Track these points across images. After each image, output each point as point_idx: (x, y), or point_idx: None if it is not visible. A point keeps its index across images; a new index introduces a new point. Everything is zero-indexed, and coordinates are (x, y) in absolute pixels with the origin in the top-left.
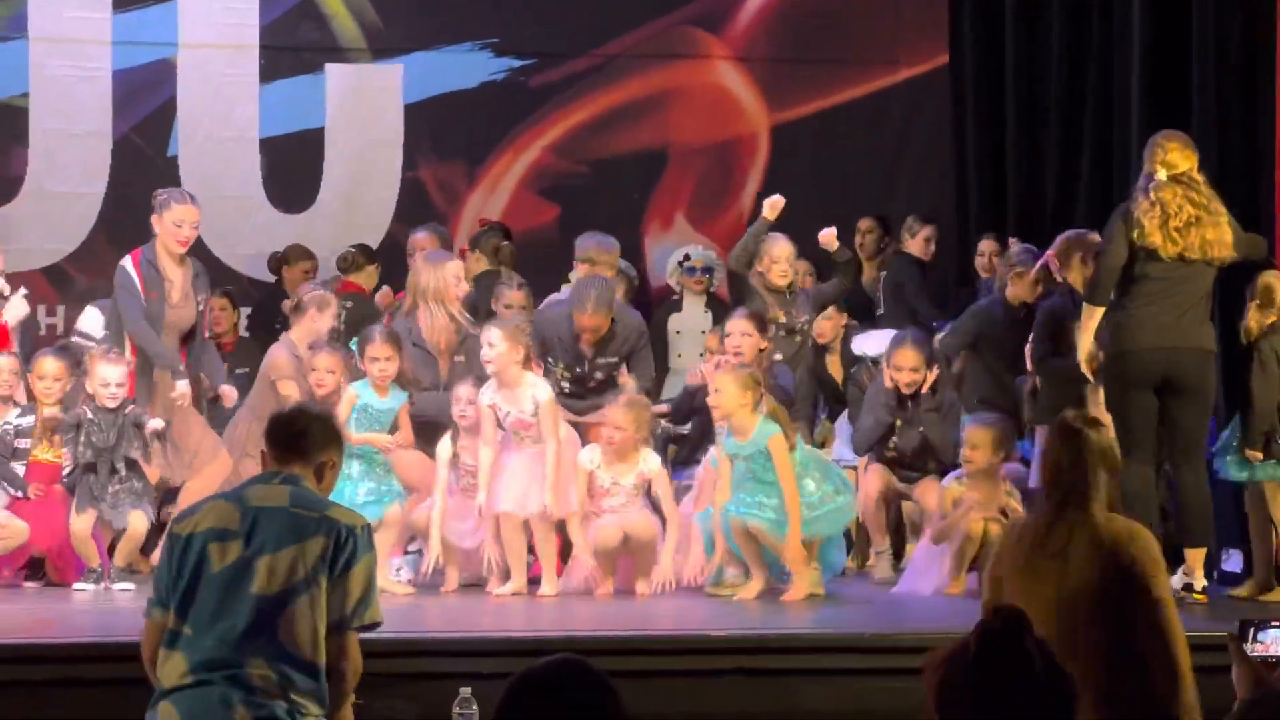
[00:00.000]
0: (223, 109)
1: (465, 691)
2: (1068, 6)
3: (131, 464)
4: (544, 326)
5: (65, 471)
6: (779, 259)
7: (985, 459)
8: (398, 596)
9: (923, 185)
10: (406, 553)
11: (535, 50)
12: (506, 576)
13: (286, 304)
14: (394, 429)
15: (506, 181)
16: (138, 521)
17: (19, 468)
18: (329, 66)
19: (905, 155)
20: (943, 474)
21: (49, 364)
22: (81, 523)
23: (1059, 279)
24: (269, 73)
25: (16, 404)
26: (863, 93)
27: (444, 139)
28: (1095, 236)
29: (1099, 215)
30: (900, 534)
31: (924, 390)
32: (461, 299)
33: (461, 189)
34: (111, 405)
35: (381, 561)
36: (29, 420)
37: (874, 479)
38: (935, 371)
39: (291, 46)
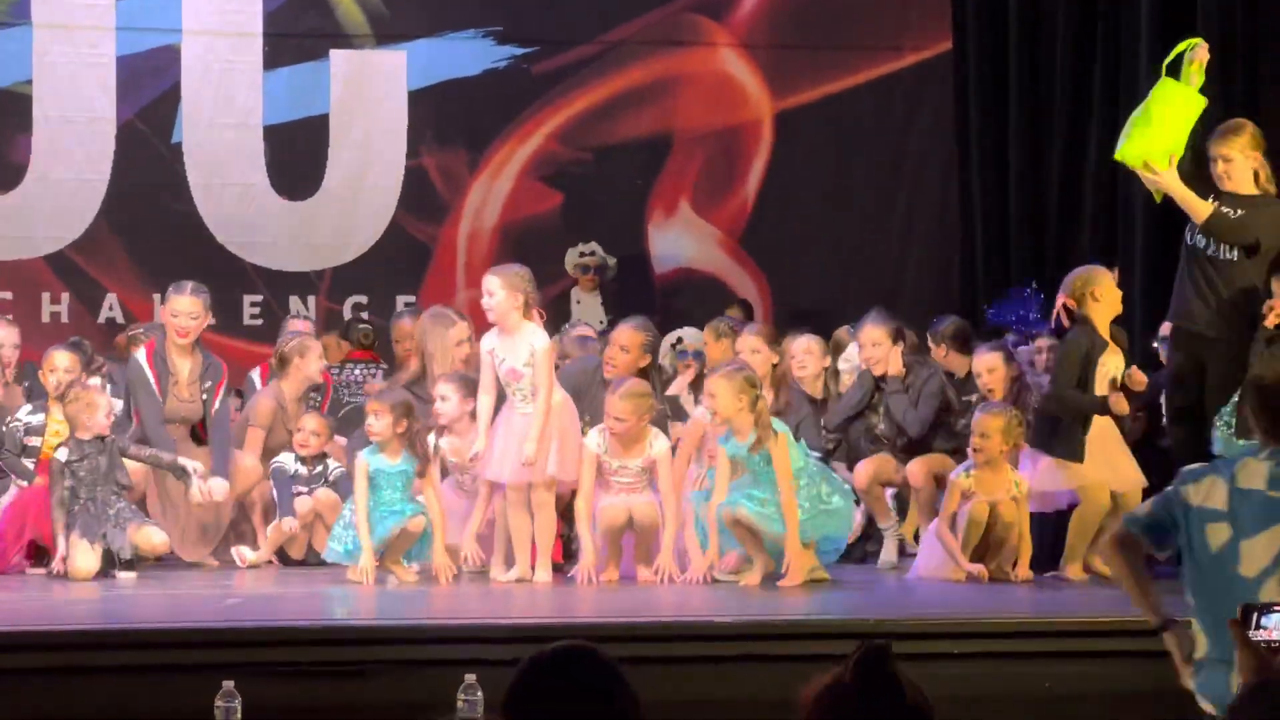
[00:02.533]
0: (226, 95)
1: (470, 678)
2: None
3: (120, 491)
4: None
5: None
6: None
7: (995, 447)
8: (403, 583)
9: (926, 172)
10: None
11: (538, 38)
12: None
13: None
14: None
15: (509, 169)
16: (155, 535)
17: (29, 464)
18: (333, 53)
19: (909, 141)
20: (924, 451)
21: (60, 357)
22: (84, 560)
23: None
24: (273, 59)
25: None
26: (866, 79)
27: (447, 126)
28: (1100, 270)
29: (1104, 200)
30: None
31: (892, 370)
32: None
33: (464, 176)
34: (101, 434)
35: (395, 556)
36: (39, 418)
37: (863, 467)
38: (899, 348)
39: (295, 33)
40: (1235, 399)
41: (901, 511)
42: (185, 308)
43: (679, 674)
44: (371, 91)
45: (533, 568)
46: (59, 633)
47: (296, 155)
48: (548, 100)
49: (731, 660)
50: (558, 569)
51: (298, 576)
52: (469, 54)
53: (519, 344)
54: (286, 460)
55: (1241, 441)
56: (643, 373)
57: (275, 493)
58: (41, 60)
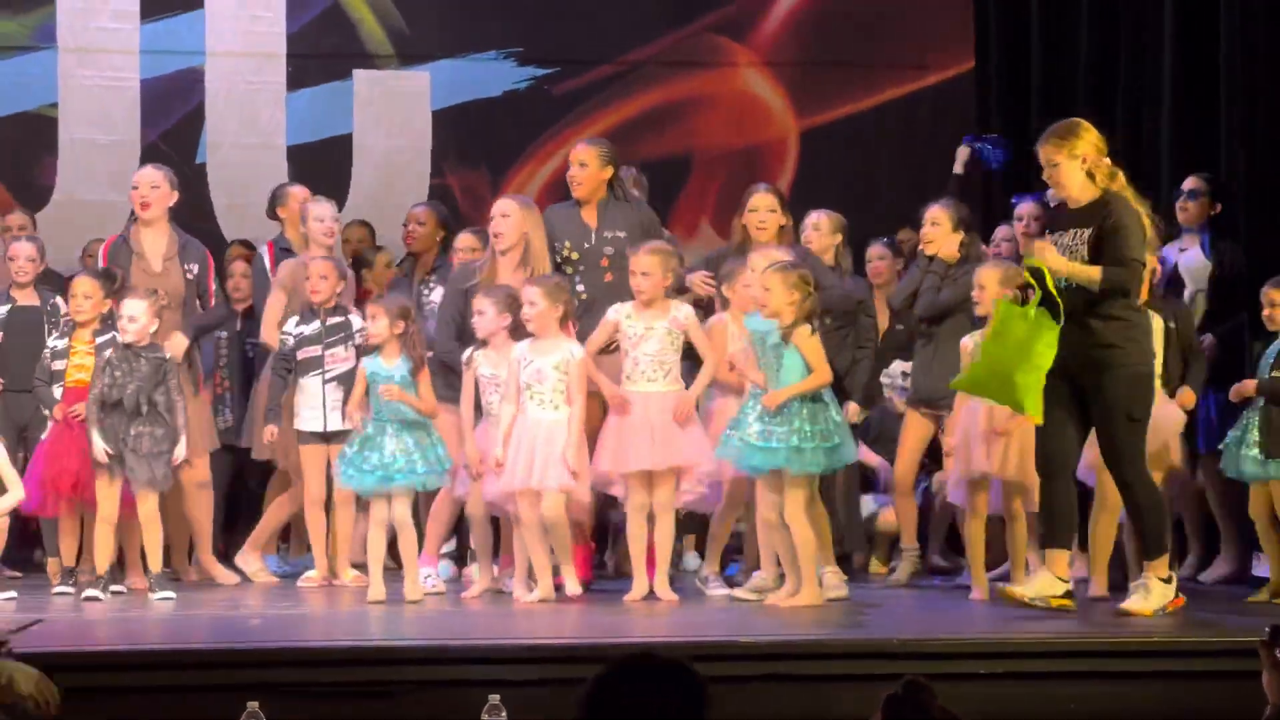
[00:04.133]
0: (250, 116)
1: (494, 698)
2: (1094, 11)
3: (154, 409)
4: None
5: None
6: (757, 207)
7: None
8: (428, 604)
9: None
10: (442, 555)
11: (558, 59)
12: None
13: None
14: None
15: (531, 188)
16: (150, 504)
17: (57, 391)
18: (356, 73)
19: (933, 160)
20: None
21: (83, 282)
22: (108, 496)
23: None
24: (296, 80)
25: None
26: (890, 98)
27: (469, 146)
28: None
29: None
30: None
31: (944, 254)
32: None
33: (487, 196)
34: (130, 340)
35: (430, 553)
36: (63, 343)
37: (911, 432)
38: (959, 236)
39: (318, 53)
40: (1253, 419)
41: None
42: (145, 178)
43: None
44: (395, 111)
45: (557, 586)
46: (82, 653)
47: (320, 175)
48: (568, 122)
49: (756, 680)
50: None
51: (318, 595)
52: (491, 75)
53: (551, 349)
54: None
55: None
56: (610, 188)
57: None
58: (67, 83)
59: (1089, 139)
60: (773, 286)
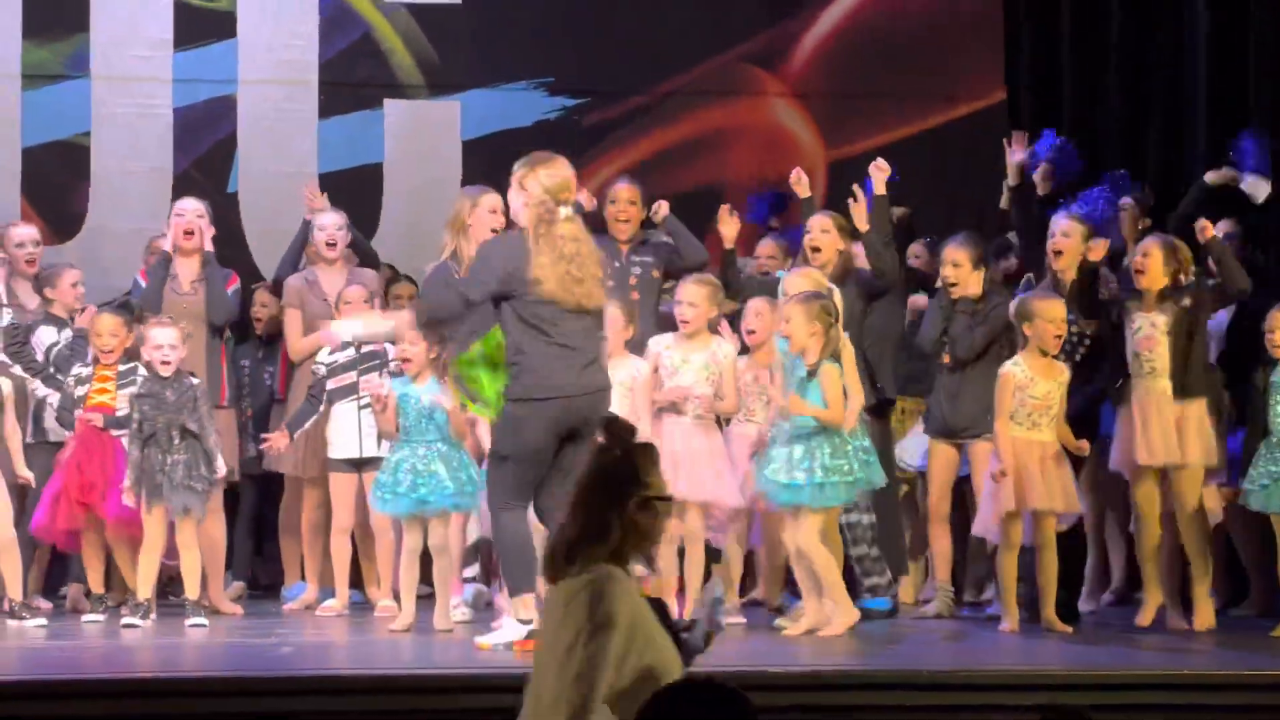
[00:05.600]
0: (282, 144)
1: None
2: (1125, 41)
3: (190, 436)
4: None
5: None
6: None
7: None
8: (456, 633)
9: (982, 223)
10: (465, 580)
11: (589, 89)
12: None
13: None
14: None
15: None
16: (187, 532)
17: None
18: (387, 102)
19: (963, 191)
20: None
21: (108, 320)
22: (154, 525)
23: None
24: (328, 108)
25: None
26: (920, 129)
27: (500, 176)
28: None
29: None
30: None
31: (970, 293)
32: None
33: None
34: (166, 373)
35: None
36: (88, 370)
37: (939, 462)
38: (980, 273)
39: (350, 82)
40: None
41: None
42: (192, 208)
43: None
44: (425, 141)
45: None
46: (119, 681)
47: (352, 203)
48: (598, 152)
49: (785, 711)
50: None
51: (341, 623)
52: (521, 105)
53: (617, 366)
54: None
55: None
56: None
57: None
58: (100, 112)
59: None
60: (793, 317)
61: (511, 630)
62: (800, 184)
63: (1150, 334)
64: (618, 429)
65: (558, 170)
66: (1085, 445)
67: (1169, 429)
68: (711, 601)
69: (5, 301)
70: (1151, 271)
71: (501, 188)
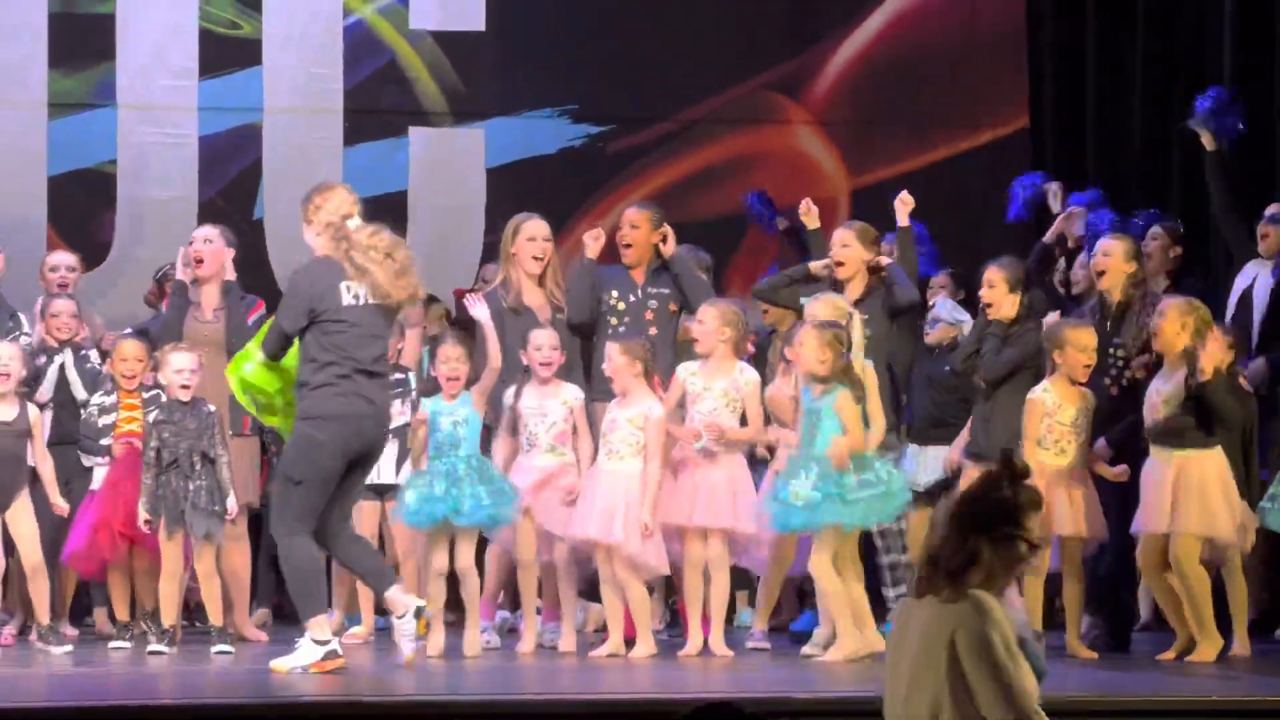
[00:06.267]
0: (307, 172)
1: None
2: (1149, 69)
3: (209, 462)
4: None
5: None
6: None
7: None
8: (481, 659)
9: (1006, 249)
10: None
11: (613, 116)
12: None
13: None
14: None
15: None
16: (207, 560)
17: (106, 443)
18: (412, 130)
19: (987, 218)
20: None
21: (131, 345)
22: (174, 551)
23: None
24: (353, 136)
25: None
26: (943, 156)
27: (524, 204)
28: None
29: (1184, 276)
30: None
31: (1004, 315)
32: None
33: None
34: (185, 398)
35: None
36: (112, 398)
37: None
38: (1016, 296)
39: (375, 110)
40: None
41: None
42: (200, 233)
43: None
44: (450, 168)
45: (628, 641)
46: (145, 708)
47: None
48: (622, 179)
49: None
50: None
51: (365, 650)
52: (545, 133)
53: (630, 404)
54: None
55: None
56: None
57: None
58: (126, 141)
59: None
60: (806, 342)
61: (309, 653)
62: (810, 215)
63: (1154, 402)
64: (1015, 467)
65: (333, 193)
66: (1124, 471)
67: (1165, 494)
68: (1030, 638)
69: (27, 329)
70: (1165, 333)
71: (525, 211)
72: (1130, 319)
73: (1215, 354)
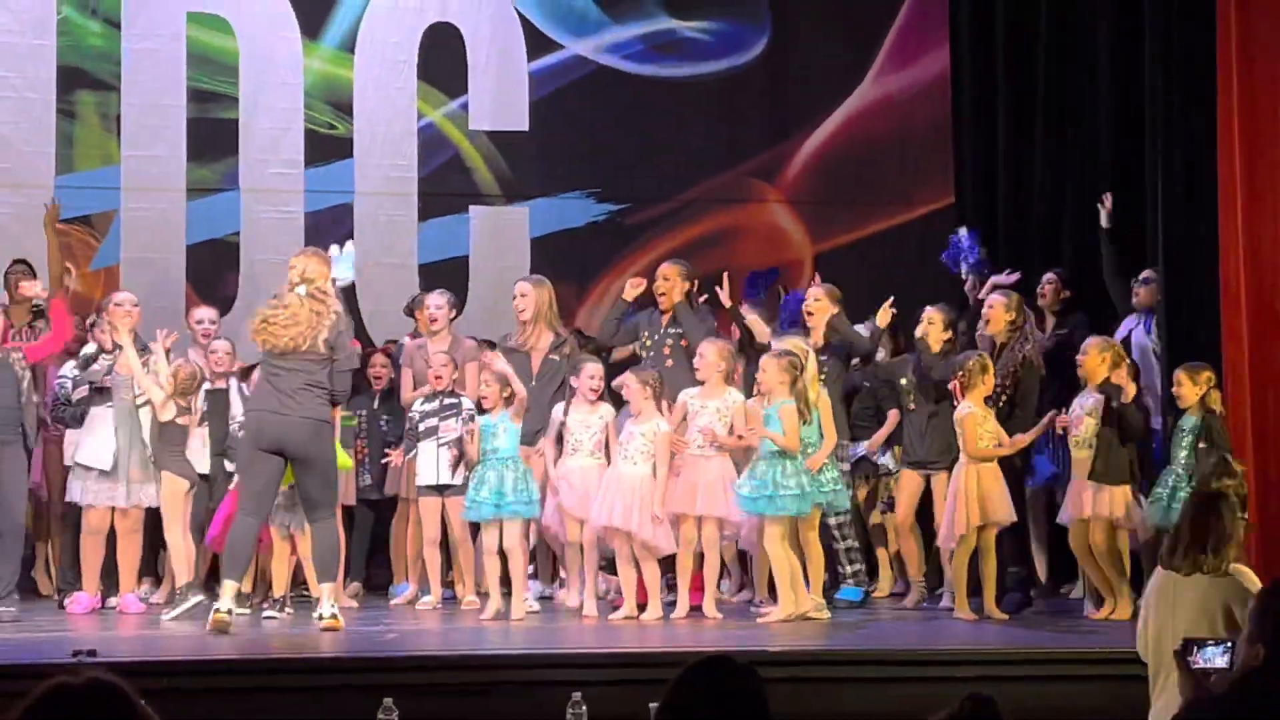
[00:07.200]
0: (389, 242)
1: (576, 695)
2: (1048, 158)
3: None
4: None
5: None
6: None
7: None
8: (528, 620)
9: (939, 300)
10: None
11: (629, 197)
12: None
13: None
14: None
15: (608, 299)
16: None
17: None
18: (472, 208)
19: (921, 278)
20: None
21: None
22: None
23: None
24: (425, 212)
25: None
26: (886, 226)
27: (560, 266)
28: None
29: (1077, 310)
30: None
31: (931, 346)
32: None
33: (574, 304)
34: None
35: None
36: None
37: (907, 487)
38: (947, 335)
39: (443, 192)
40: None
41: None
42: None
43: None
44: (501, 239)
45: (640, 606)
46: (259, 660)
47: (444, 289)
48: (637, 245)
49: (783, 683)
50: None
51: (435, 615)
52: (576, 210)
53: (644, 420)
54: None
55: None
56: (688, 299)
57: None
58: (247, 216)
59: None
60: (768, 368)
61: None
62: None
63: (1079, 414)
64: (1232, 468)
65: (302, 262)
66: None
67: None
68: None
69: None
70: (1089, 365)
71: (560, 273)
72: (1006, 353)
73: (1125, 380)
